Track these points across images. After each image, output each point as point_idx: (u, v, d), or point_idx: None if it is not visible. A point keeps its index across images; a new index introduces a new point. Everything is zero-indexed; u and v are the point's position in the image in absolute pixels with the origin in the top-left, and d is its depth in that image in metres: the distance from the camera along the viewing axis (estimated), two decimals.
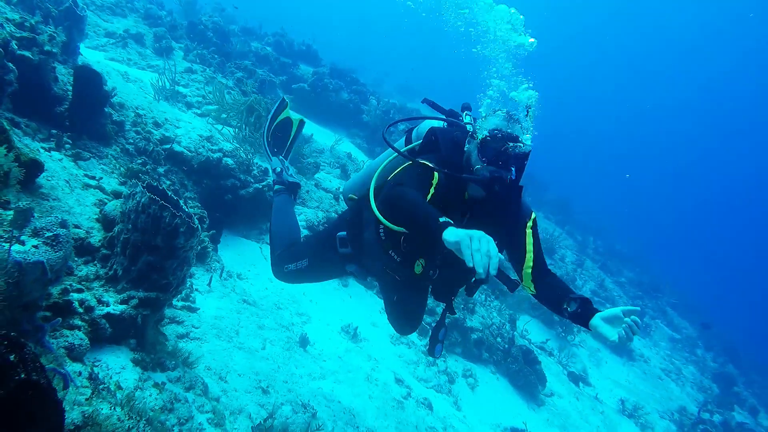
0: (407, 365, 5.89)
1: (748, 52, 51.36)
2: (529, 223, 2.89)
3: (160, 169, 5.36)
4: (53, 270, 2.31)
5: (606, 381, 10.11)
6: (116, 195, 4.09)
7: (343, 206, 6.69)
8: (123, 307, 2.99)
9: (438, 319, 3.20)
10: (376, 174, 3.10)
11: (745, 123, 57.71)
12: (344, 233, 3.29)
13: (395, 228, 2.71)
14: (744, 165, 61.38)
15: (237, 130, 6.79)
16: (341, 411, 4.36)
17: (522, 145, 2.68)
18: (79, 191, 3.83)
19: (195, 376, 3.42)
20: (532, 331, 9.36)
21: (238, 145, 6.31)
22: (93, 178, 4.30)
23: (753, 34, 47.78)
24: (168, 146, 5.45)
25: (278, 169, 4.12)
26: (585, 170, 45.63)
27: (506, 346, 7.72)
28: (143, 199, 3.04)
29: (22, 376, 1.45)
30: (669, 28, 54.75)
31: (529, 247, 2.84)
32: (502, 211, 2.81)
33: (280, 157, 4.27)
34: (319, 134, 9.96)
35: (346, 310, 6.08)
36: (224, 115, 6.82)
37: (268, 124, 4.30)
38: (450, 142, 2.94)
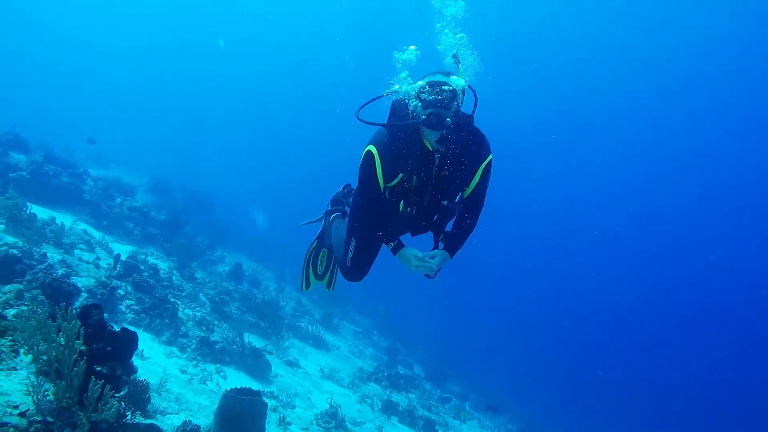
0: (182, 368, 8.74)
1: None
2: (483, 165, 3.47)
3: None
4: None
5: (312, 364, 14.22)
6: None
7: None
8: None
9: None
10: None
11: None
12: None
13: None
14: None
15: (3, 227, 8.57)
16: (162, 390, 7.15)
17: (449, 86, 3.15)
18: None
19: None
20: (255, 341, 12.82)
21: (16, 239, 8.21)
22: None
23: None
24: None
25: (331, 208, 5.09)
26: None
27: (240, 349, 11.04)
28: (47, 280, 5.51)
29: (115, 328, 4.34)
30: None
31: (472, 185, 3.50)
32: (463, 157, 3.35)
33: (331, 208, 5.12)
34: (51, 217, 11.61)
35: None
36: None
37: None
38: (401, 106, 3.39)
